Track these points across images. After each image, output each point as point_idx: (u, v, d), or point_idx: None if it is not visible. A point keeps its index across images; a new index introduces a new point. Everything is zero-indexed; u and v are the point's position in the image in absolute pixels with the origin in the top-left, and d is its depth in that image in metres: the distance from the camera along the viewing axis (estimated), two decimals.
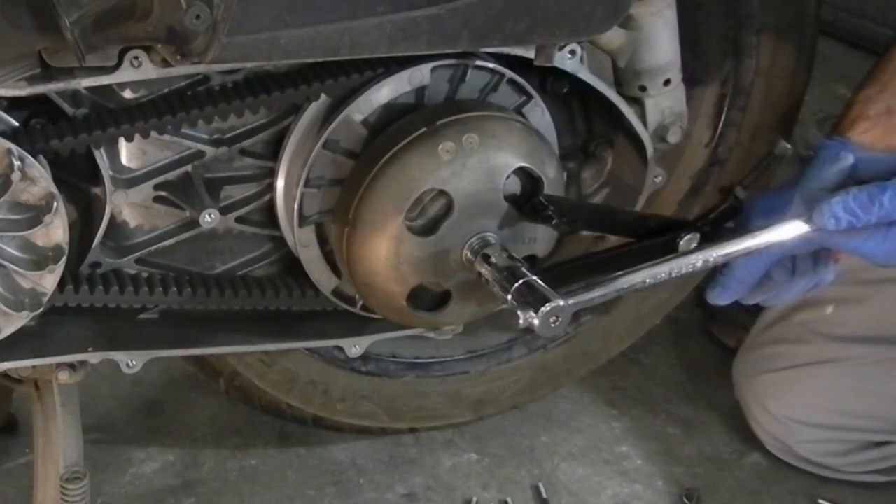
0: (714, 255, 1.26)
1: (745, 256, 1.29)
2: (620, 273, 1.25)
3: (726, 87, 1.55)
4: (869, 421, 1.62)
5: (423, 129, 1.24)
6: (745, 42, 1.51)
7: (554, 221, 1.27)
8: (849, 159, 1.30)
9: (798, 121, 1.62)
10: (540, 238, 1.32)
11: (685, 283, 1.68)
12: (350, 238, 1.26)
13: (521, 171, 1.27)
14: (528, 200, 1.28)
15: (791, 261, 1.36)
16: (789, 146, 1.35)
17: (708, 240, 1.29)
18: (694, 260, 1.25)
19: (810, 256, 1.36)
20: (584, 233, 1.48)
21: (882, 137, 1.35)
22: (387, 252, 1.24)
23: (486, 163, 1.25)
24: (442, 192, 1.24)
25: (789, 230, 1.26)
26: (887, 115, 1.36)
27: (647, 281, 1.23)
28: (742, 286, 1.34)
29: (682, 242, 1.27)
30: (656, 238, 1.31)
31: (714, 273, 1.34)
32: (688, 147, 1.56)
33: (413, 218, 1.25)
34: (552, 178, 1.30)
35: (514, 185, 1.28)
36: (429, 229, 1.26)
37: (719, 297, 1.36)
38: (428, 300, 1.32)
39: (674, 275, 1.25)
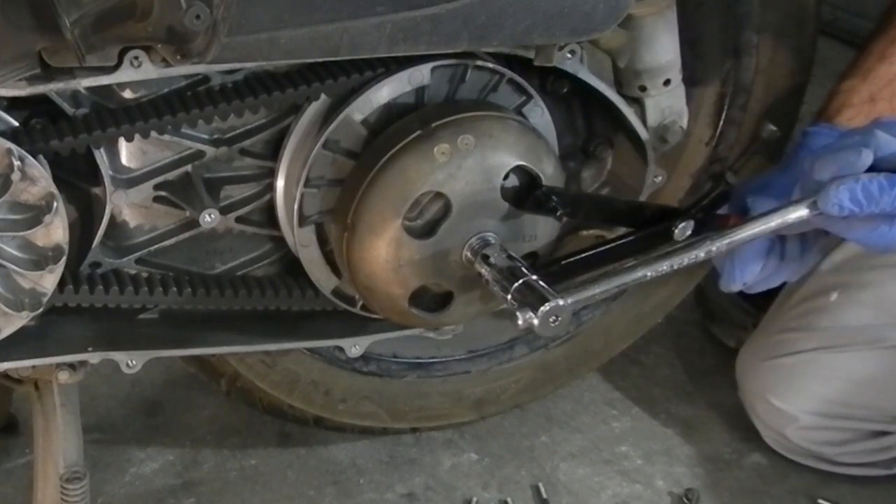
0: (717, 244, 1.25)
1: (747, 243, 1.29)
2: (620, 268, 1.24)
3: (727, 85, 1.55)
4: (867, 410, 1.62)
5: (419, 132, 1.24)
6: (745, 41, 1.51)
7: (558, 213, 1.27)
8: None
9: (798, 119, 1.62)
10: (540, 235, 1.32)
11: (686, 281, 1.68)
12: (349, 242, 1.26)
13: (518, 170, 1.27)
14: (529, 195, 1.28)
15: (781, 246, 1.37)
16: (776, 129, 1.35)
17: (701, 226, 1.28)
18: (699, 249, 1.24)
19: (798, 242, 1.37)
20: (585, 233, 1.49)
21: (866, 124, 1.37)
22: (386, 255, 1.25)
23: (482, 163, 1.25)
24: (439, 194, 1.24)
25: (792, 215, 1.25)
26: (870, 103, 1.40)
27: (649, 274, 1.23)
28: (748, 270, 1.35)
29: (676, 231, 1.27)
30: (652, 227, 1.31)
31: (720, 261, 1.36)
32: (688, 145, 1.56)
33: (412, 220, 1.25)
34: (550, 174, 1.30)
35: (513, 184, 1.28)
36: (428, 231, 1.26)
37: (727, 285, 1.37)
38: (430, 300, 1.32)
39: (675, 266, 1.24)
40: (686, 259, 1.25)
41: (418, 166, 1.23)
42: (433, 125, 1.24)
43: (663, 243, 1.28)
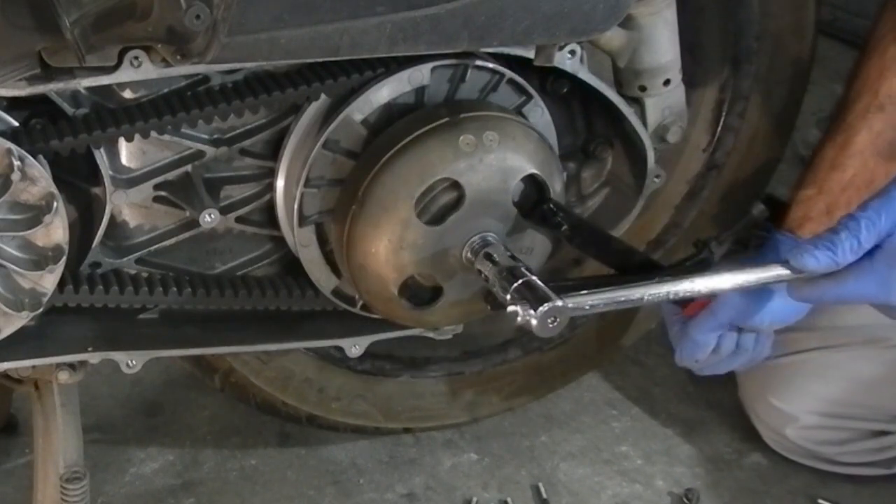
0: (713, 283, 1.26)
1: (739, 289, 1.32)
2: (623, 286, 1.25)
3: (725, 92, 1.55)
4: (867, 410, 1.63)
5: (447, 119, 1.24)
6: (744, 48, 1.52)
7: (563, 228, 1.29)
8: None
9: (795, 128, 1.62)
10: (536, 249, 1.32)
11: None
12: (356, 216, 1.25)
13: (530, 179, 1.28)
14: (536, 206, 1.29)
15: (738, 336, 1.43)
16: (765, 208, 1.38)
17: None
18: (695, 286, 1.26)
19: (753, 336, 1.43)
20: None
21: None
22: (391, 234, 1.24)
23: (502, 162, 1.25)
24: (454, 185, 1.24)
25: (770, 273, 1.26)
26: (828, 216, 1.43)
27: (647, 298, 1.24)
28: (699, 349, 1.40)
29: None
30: (634, 275, 1.32)
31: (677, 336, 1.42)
32: (685, 151, 1.57)
33: (421, 206, 1.25)
34: (558, 192, 1.31)
35: (523, 193, 1.29)
36: (435, 220, 1.26)
37: (679, 360, 1.43)
38: (417, 297, 1.31)
39: (672, 297, 1.26)
40: (682, 292, 1.26)
41: (442, 151, 1.23)
42: (461, 115, 1.25)
43: None
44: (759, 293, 1.38)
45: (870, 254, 1.22)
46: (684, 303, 1.37)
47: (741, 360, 1.47)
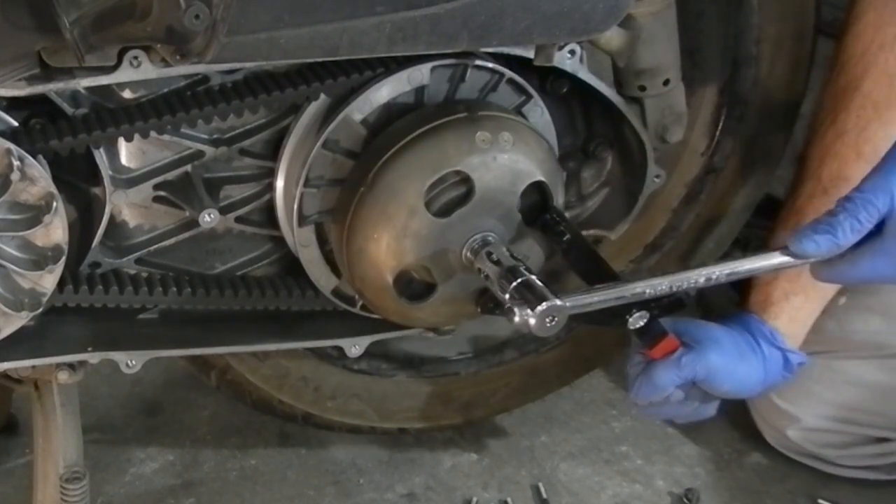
0: (717, 272, 1.26)
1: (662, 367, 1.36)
2: (621, 282, 1.25)
3: (724, 96, 1.55)
4: (871, 417, 1.62)
5: (465, 114, 1.25)
6: (744, 52, 1.52)
7: (565, 237, 1.29)
8: None
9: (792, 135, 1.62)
10: (532, 258, 1.32)
11: None
12: (363, 198, 1.25)
13: (535, 187, 1.28)
14: (539, 214, 1.30)
15: (689, 388, 1.43)
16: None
17: (654, 320, 1.31)
18: (697, 276, 1.25)
19: (701, 392, 1.44)
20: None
21: (789, 323, 1.49)
22: (396, 220, 1.24)
23: (514, 164, 1.26)
24: (464, 180, 1.25)
25: (772, 261, 1.26)
26: (786, 300, 1.48)
27: (648, 292, 1.24)
28: (656, 393, 1.40)
29: (630, 319, 1.29)
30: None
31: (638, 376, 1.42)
32: (684, 155, 1.57)
33: (430, 196, 1.25)
34: (560, 202, 1.32)
35: (527, 200, 1.29)
36: (441, 212, 1.26)
37: (634, 397, 1.43)
38: (408, 294, 1.31)
39: (674, 289, 1.25)
40: (685, 283, 1.26)
41: (458, 144, 1.24)
42: (479, 113, 1.26)
43: (616, 321, 1.30)
44: (727, 359, 1.40)
45: (880, 235, 1.22)
46: (651, 344, 1.37)
47: (684, 413, 1.48)
